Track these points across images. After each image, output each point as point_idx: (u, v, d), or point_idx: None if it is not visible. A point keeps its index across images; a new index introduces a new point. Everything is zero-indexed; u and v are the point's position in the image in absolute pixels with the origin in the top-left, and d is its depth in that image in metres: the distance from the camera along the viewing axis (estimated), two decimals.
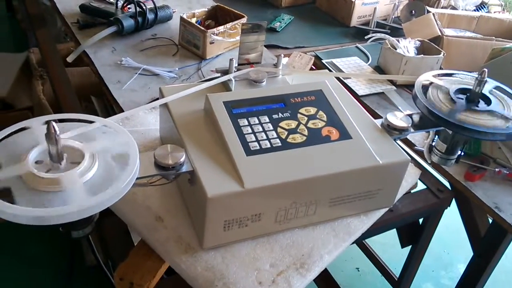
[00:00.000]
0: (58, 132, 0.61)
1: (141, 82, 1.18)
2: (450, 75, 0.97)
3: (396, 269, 1.54)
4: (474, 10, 1.66)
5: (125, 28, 1.32)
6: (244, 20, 1.31)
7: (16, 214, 0.57)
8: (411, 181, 0.95)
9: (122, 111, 1.05)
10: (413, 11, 1.55)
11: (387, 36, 1.42)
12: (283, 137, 0.77)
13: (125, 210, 0.81)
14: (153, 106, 0.84)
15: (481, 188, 0.97)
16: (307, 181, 0.74)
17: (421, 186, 1.02)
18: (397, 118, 0.85)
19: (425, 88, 0.90)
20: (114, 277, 0.75)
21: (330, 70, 1.31)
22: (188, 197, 0.81)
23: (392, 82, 1.27)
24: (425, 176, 1.02)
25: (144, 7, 1.36)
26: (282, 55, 0.95)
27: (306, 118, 0.81)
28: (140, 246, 0.79)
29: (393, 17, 1.62)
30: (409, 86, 1.25)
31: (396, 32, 1.55)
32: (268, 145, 0.76)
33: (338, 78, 0.99)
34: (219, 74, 0.91)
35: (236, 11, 1.34)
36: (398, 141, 0.86)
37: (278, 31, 1.53)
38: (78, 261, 1.72)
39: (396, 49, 1.28)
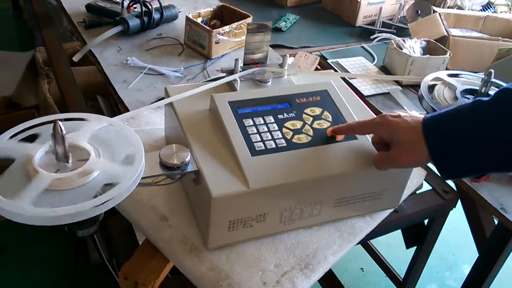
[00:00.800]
0: (64, 132, 0.61)
1: (147, 81, 1.18)
2: (456, 75, 0.97)
3: (400, 270, 1.53)
4: (481, 10, 1.65)
5: (131, 27, 1.32)
6: (249, 20, 1.31)
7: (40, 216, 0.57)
8: (416, 182, 0.95)
9: (128, 110, 1.06)
10: (419, 11, 1.54)
11: (393, 36, 1.42)
12: (288, 137, 0.77)
13: (130, 209, 0.82)
14: (158, 106, 0.84)
15: (487, 189, 0.96)
16: (312, 181, 0.74)
17: (426, 187, 1.02)
18: None
19: (431, 86, 0.89)
20: (119, 276, 0.75)
21: (335, 70, 1.31)
22: (193, 197, 0.81)
23: (397, 82, 1.27)
24: (430, 177, 1.02)
25: (150, 7, 1.36)
26: (288, 55, 0.95)
27: (311, 119, 0.81)
28: (145, 246, 0.79)
29: (399, 17, 1.61)
30: (415, 87, 1.25)
31: (402, 32, 1.55)
32: (273, 145, 0.76)
33: (343, 78, 0.98)
34: (224, 74, 0.91)
35: (241, 11, 1.34)
36: None
37: (284, 30, 1.52)
38: (82, 259, 1.73)
39: (402, 49, 1.27)
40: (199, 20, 1.31)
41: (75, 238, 0.68)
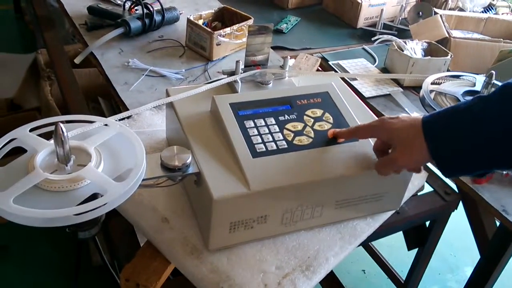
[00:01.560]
0: (65, 134, 0.62)
1: (148, 83, 1.18)
2: (458, 76, 0.97)
3: (402, 272, 1.53)
4: (482, 12, 1.65)
5: (132, 29, 1.33)
6: (250, 21, 1.31)
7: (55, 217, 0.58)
8: (417, 183, 0.95)
9: None
10: (421, 13, 1.54)
11: (394, 37, 1.42)
12: (289, 139, 0.77)
13: (131, 211, 0.82)
14: (156, 105, 0.84)
15: (488, 190, 0.96)
16: (313, 183, 0.74)
17: (428, 188, 1.02)
18: None
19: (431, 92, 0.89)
20: (120, 278, 0.75)
21: (336, 72, 1.31)
22: (194, 199, 0.81)
23: (399, 84, 1.27)
24: (432, 178, 1.01)
25: (151, 9, 1.36)
26: (289, 57, 0.95)
27: (312, 120, 0.81)
28: (146, 247, 0.79)
29: (400, 18, 1.61)
30: (416, 88, 1.25)
31: (403, 34, 1.55)
32: (274, 147, 0.76)
33: (344, 80, 0.98)
34: (225, 76, 0.92)
35: (242, 13, 1.34)
36: None
37: (285, 32, 1.53)
38: (84, 261, 1.73)
39: (403, 50, 1.27)
40: (200, 22, 1.31)
41: (76, 240, 0.68)
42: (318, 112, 0.82)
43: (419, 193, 0.99)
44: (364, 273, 1.90)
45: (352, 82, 1.25)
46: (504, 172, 0.99)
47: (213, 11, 1.38)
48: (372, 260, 1.71)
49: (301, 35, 1.53)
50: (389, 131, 0.71)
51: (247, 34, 0.90)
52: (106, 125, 0.73)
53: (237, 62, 0.90)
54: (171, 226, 0.79)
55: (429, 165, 1.00)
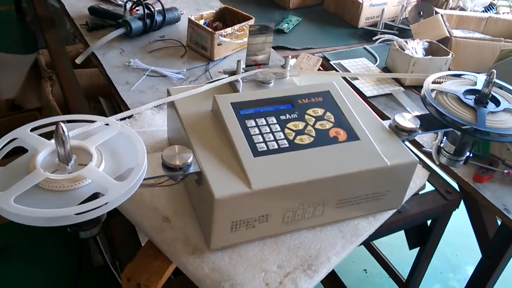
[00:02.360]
0: (66, 133, 0.62)
1: (149, 83, 1.18)
2: (459, 76, 0.96)
3: (404, 271, 1.53)
4: (483, 11, 1.65)
5: (133, 30, 1.33)
6: (251, 21, 1.32)
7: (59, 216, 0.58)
8: (419, 182, 0.95)
9: None
10: (421, 12, 1.54)
11: (395, 37, 1.42)
12: (291, 138, 0.77)
13: (133, 210, 0.82)
14: (157, 104, 0.84)
15: (490, 189, 0.96)
16: (314, 182, 0.74)
17: (429, 187, 1.02)
18: (405, 120, 0.85)
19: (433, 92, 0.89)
20: (122, 277, 0.75)
21: (337, 71, 1.31)
22: (195, 198, 0.81)
23: (400, 83, 1.26)
24: (433, 177, 1.01)
25: (152, 9, 1.36)
26: (290, 57, 0.95)
27: (313, 119, 0.81)
28: (147, 247, 0.79)
29: (401, 18, 1.61)
30: (417, 87, 1.25)
31: (404, 33, 1.54)
32: (276, 146, 0.76)
33: (345, 79, 0.98)
34: (226, 75, 0.92)
35: (243, 13, 1.34)
36: (406, 142, 0.86)
37: (286, 32, 1.53)
38: (85, 261, 1.73)
39: (404, 50, 1.27)
40: (201, 22, 1.31)
41: (77, 240, 0.68)
42: (320, 111, 0.82)
43: (420, 192, 0.99)
44: (366, 272, 1.90)
45: (353, 82, 1.25)
46: (506, 171, 0.99)
47: (214, 11, 1.38)
48: (374, 259, 1.71)
49: (302, 35, 1.53)
50: None
51: (248, 34, 0.90)
52: (107, 124, 0.73)
53: (238, 61, 0.90)
54: (172, 225, 0.79)
55: (430, 164, 1.00)
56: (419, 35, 1.39)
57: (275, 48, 1.39)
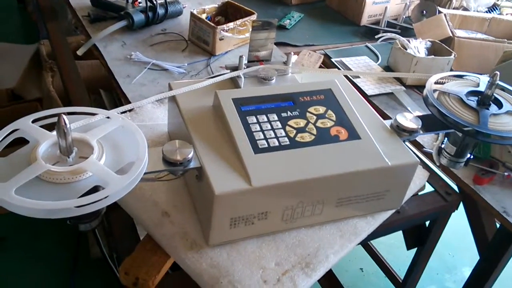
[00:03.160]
0: (68, 125, 0.61)
1: (150, 76, 1.18)
2: (461, 76, 0.96)
3: (400, 271, 1.53)
4: (486, 12, 1.65)
5: (135, 22, 1.32)
6: (254, 17, 1.31)
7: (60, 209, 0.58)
8: (419, 183, 0.95)
9: None
10: (424, 11, 1.54)
11: (398, 36, 1.41)
12: (292, 135, 0.77)
13: (132, 204, 0.81)
14: (159, 98, 0.83)
15: (489, 192, 0.96)
16: (314, 180, 0.74)
17: (429, 188, 1.01)
18: (407, 119, 0.84)
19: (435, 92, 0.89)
20: (119, 271, 0.75)
21: (339, 69, 1.30)
22: (195, 193, 0.81)
23: (401, 82, 1.26)
24: (433, 178, 1.01)
25: (154, 2, 1.36)
26: (292, 53, 0.94)
27: (315, 117, 0.80)
28: (146, 241, 0.79)
29: (404, 17, 1.61)
30: (419, 87, 1.25)
31: (407, 32, 1.54)
32: (276, 144, 0.75)
33: (347, 77, 0.98)
34: (228, 71, 0.91)
35: (246, 8, 1.34)
36: (407, 142, 0.86)
37: (288, 28, 1.52)
38: (83, 253, 1.73)
39: (406, 49, 1.27)
40: (203, 16, 1.31)
41: (76, 232, 0.68)
42: (321, 109, 0.82)
43: (420, 193, 0.99)
44: (362, 271, 1.90)
45: (355, 80, 1.24)
46: (506, 174, 0.99)
47: (216, 5, 1.37)
48: (371, 259, 1.71)
49: (304, 31, 1.53)
50: None
51: (250, 29, 0.90)
52: (108, 117, 0.73)
53: (240, 57, 0.90)
54: (171, 220, 0.79)
55: (430, 164, 1.00)
56: (422, 35, 1.39)
57: (276, 44, 1.38)
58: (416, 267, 1.25)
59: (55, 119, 0.62)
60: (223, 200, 0.69)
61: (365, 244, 1.70)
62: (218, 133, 0.78)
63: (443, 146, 0.92)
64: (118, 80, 1.15)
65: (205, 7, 1.34)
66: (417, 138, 1.02)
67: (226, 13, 1.39)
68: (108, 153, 0.67)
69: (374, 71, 1.32)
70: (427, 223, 1.11)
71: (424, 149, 1.04)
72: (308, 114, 0.81)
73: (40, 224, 1.81)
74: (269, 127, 0.77)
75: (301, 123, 0.79)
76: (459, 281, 1.91)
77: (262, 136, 0.76)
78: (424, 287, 1.87)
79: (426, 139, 1.07)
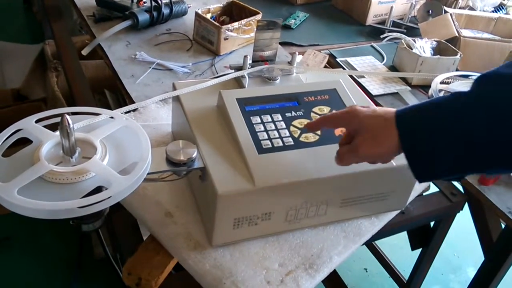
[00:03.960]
0: (71, 126, 0.61)
1: (155, 76, 1.18)
2: (466, 76, 0.96)
3: (405, 271, 1.53)
4: (492, 11, 1.64)
5: (140, 22, 1.32)
6: (259, 16, 1.31)
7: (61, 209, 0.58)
8: (423, 183, 0.94)
9: None
10: (430, 11, 1.53)
11: (403, 35, 1.40)
12: (296, 136, 0.77)
13: (135, 204, 0.81)
14: (163, 98, 0.83)
15: (495, 192, 0.95)
16: (318, 181, 0.73)
17: (433, 188, 1.01)
18: None
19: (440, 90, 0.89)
20: (123, 271, 0.75)
21: (344, 69, 1.30)
22: (198, 194, 0.81)
23: (406, 82, 1.26)
24: None
25: (159, 2, 1.35)
26: (297, 53, 0.94)
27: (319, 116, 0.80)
28: (149, 241, 0.79)
29: (410, 16, 1.60)
30: (424, 87, 1.24)
31: (412, 32, 1.53)
32: (281, 144, 0.75)
33: (352, 77, 0.98)
34: (233, 71, 0.91)
35: (251, 8, 1.33)
36: None
37: (293, 28, 1.52)
38: (86, 253, 1.73)
39: (412, 49, 1.26)
40: (208, 16, 1.31)
41: (79, 232, 0.68)
42: (326, 109, 0.82)
43: (424, 193, 0.98)
44: (366, 271, 1.90)
45: (360, 80, 1.24)
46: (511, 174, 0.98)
47: (221, 5, 1.37)
48: (375, 259, 1.70)
49: (309, 31, 1.52)
50: (357, 119, 0.66)
51: (255, 29, 0.90)
52: (112, 117, 0.73)
53: (245, 57, 0.90)
54: (174, 220, 0.79)
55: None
56: (428, 34, 1.38)
57: (281, 43, 1.38)
58: (421, 268, 1.25)
59: (58, 119, 0.62)
60: (226, 201, 0.69)
61: (370, 244, 1.69)
62: (222, 133, 0.77)
63: None
64: (122, 80, 1.15)
65: (210, 6, 1.34)
66: None
67: (231, 13, 1.39)
68: (111, 153, 0.67)
69: (379, 71, 1.31)
70: (432, 223, 1.10)
71: None
72: (312, 114, 0.81)
73: (43, 224, 1.81)
74: (273, 127, 0.77)
75: (306, 123, 0.79)
76: (464, 282, 1.90)
77: (266, 136, 0.76)
78: None
79: None
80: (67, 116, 0.61)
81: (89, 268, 1.72)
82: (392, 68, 1.33)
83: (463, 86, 0.88)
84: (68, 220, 0.64)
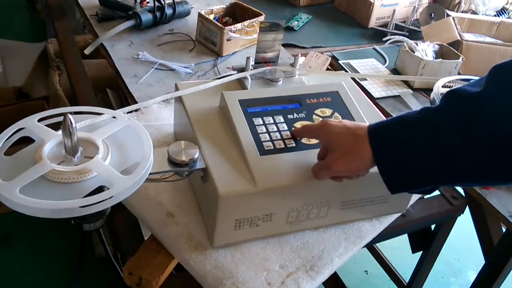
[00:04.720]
0: (74, 125, 0.61)
1: (157, 76, 1.18)
2: (468, 80, 0.96)
3: (405, 274, 1.52)
4: (495, 15, 1.64)
5: (143, 22, 1.32)
6: (262, 18, 1.31)
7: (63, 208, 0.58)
8: None
9: None
10: (433, 14, 1.53)
11: (406, 38, 1.40)
12: (298, 138, 0.77)
13: (137, 204, 0.81)
14: (165, 99, 0.83)
15: (496, 196, 0.95)
16: (320, 183, 0.73)
17: (434, 192, 1.01)
18: None
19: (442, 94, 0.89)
20: (123, 271, 0.75)
21: (346, 71, 1.30)
22: (200, 194, 0.81)
23: (408, 85, 1.26)
24: None
25: (162, 2, 1.36)
26: (299, 55, 0.94)
27: (321, 120, 0.80)
28: (150, 242, 0.79)
29: (412, 19, 1.60)
30: (426, 90, 1.24)
31: (415, 35, 1.53)
32: (282, 145, 0.75)
33: (354, 80, 0.98)
34: (235, 72, 0.91)
35: (254, 9, 1.34)
36: None
37: (296, 30, 1.52)
38: (88, 253, 1.74)
39: (414, 52, 1.26)
40: (211, 17, 1.31)
41: (80, 231, 0.68)
42: (328, 112, 0.82)
43: (426, 197, 0.98)
44: (367, 274, 1.90)
45: (362, 82, 1.24)
46: None
47: (224, 6, 1.37)
48: (375, 261, 1.70)
49: (312, 33, 1.52)
50: (328, 135, 0.69)
51: (258, 31, 0.90)
52: (114, 117, 0.73)
53: (248, 58, 0.90)
54: (176, 221, 0.79)
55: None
56: (430, 38, 1.38)
57: (284, 45, 1.38)
58: (421, 271, 1.24)
59: (61, 118, 0.62)
60: (227, 202, 0.69)
61: (370, 246, 1.69)
62: (224, 134, 0.78)
63: None
64: (125, 79, 1.15)
65: (213, 7, 1.34)
66: None
67: (234, 14, 1.39)
68: (113, 153, 0.67)
69: (381, 73, 1.31)
70: (433, 226, 1.10)
71: None
72: (314, 116, 0.81)
73: (44, 223, 1.81)
74: (275, 128, 0.77)
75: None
76: (465, 285, 1.90)
77: (268, 138, 0.76)
78: None
79: None
80: (70, 116, 0.61)
81: (90, 267, 1.72)
82: (394, 71, 1.33)
83: None
84: (69, 219, 0.64)
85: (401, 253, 1.88)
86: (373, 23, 1.59)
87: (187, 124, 0.81)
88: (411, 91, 1.24)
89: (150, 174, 0.67)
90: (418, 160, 0.61)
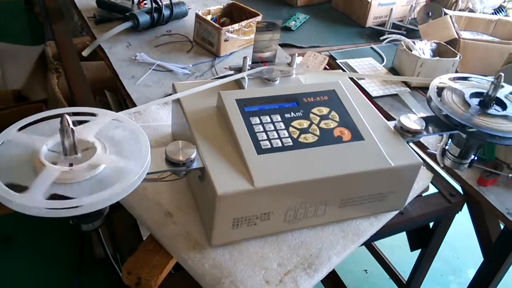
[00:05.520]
0: (71, 126, 0.62)
1: (155, 77, 1.18)
2: (465, 78, 0.96)
3: (404, 272, 1.53)
4: (492, 13, 1.64)
5: (140, 23, 1.33)
6: (259, 18, 1.31)
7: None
8: (422, 184, 0.95)
9: (135, 106, 1.06)
10: (430, 13, 1.53)
11: (403, 37, 1.41)
12: (295, 136, 0.77)
13: (135, 204, 0.82)
14: (165, 101, 0.84)
15: (494, 193, 0.96)
16: (317, 181, 0.74)
17: (432, 189, 1.01)
18: (411, 121, 0.84)
19: (439, 90, 0.89)
20: (122, 271, 0.75)
21: (344, 71, 1.30)
22: (198, 194, 0.81)
23: (406, 84, 1.26)
24: (437, 179, 1.01)
25: (160, 3, 1.36)
26: (296, 54, 0.95)
27: (318, 118, 0.80)
28: (149, 241, 0.79)
29: (410, 18, 1.60)
30: (424, 89, 1.24)
31: (412, 34, 1.54)
32: (280, 144, 0.75)
33: (351, 79, 0.98)
34: (232, 72, 0.91)
35: (251, 9, 1.34)
36: (411, 144, 0.86)
37: (293, 30, 1.52)
38: (87, 254, 1.74)
39: (411, 50, 1.27)
40: (208, 17, 1.31)
41: (79, 232, 0.68)
42: (325, 110, 0.82)
43: (423, 194, 0.98)
44: (366, 272, 1.90)
45: (360, 81, 1.24)
46: (510, 175, 0.98)
47: (221, 6, 1.37)
48: (374, 260, 1.70)
49: (309, 33, 1.53)
50: None
51: (255, 31, 0.90)
52: (114, 119, 0.73)
53: (245, 58, 0.90)
54: (174, 220, 0.79)
55: (435, 166, 1.00)
56: (427, 36, 1.38)
57: (281, 45, 1.39)
58: (420, 269, 1.25)
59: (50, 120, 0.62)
60: (225, 201, 0.69)
61: (369, 245, 1.69)
62: (222, 134, 0.78)
63: (447, 147, 0.91)
64: (122, 81, 1.16)
65: (210, 8, 1.35)
66: (421, 140, 1.02)
67: (231, 14, 1.39)
68: (111, 154, 0.67)
69: (379, 72, 1.32)
70: (431, 224, 1.10)
71: (428, 150, 1.03)
72: (311, 115, 0.81)
73: (45, 223, 1.82)
74: (273, 128, 0.78)
75: (305, 124, 0.79)
76: (464, 283, 1.91)
77: (265, 137, 0.76)
78: None
79: (430, 140, 1.06)
80: (67, 116, 0.62)
81: (90, 268, 1.72)
82: (392, 70, 1.33)
83: (462, 87, 0.89)
84: (68, 220, 0.64)
85: (400, 251, 1.89)
86: (370, 22, 1.59)
87: (184, 124, 0.81)
88: (408, 89, 1.24)
89: (148, 174, 0.67)
90: None
